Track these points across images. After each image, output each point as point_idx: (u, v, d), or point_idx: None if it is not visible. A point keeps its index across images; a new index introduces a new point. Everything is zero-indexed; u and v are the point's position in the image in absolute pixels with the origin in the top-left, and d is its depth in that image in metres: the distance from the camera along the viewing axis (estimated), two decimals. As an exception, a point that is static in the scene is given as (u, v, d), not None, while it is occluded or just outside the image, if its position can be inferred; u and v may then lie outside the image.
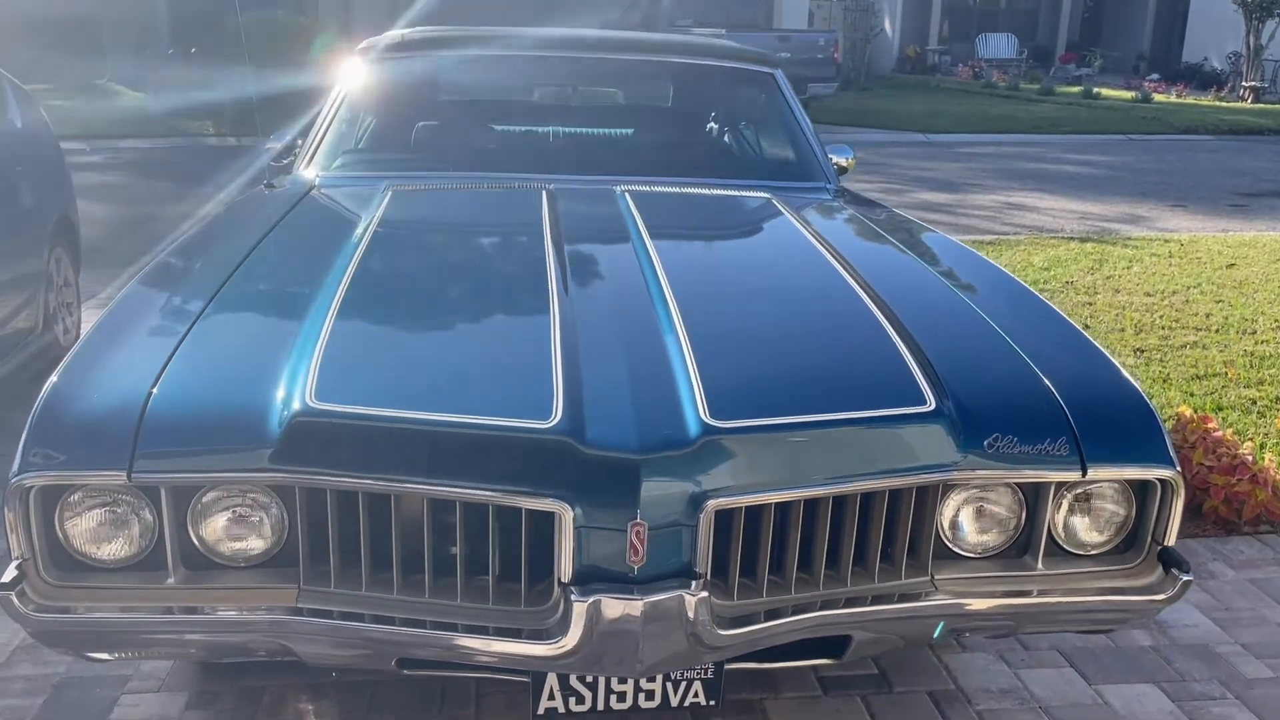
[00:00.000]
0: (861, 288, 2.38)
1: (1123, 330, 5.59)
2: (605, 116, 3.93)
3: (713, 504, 1.74)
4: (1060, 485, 1.95)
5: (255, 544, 1.85)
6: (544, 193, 3.05)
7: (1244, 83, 20.64)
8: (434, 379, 1.95)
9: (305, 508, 1.80)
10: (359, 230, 2.67)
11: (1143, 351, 5.24)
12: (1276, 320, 5.86)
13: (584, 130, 3.83)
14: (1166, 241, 8.06)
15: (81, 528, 1.82)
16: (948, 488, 1.91)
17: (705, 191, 3.32)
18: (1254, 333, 5.63)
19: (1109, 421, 1.98)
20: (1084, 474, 1.91)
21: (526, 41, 3.77)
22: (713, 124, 4.08)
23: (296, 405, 1.80)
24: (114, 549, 1.83)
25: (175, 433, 1.79)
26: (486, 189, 3.23)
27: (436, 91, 3.89)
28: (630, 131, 3.85)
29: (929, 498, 1.90)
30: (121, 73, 15.80)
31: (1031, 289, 2.62)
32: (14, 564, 1.79)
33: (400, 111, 3.74)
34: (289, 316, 2.15)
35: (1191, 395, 4.59)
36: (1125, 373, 2.14)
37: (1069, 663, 2.71)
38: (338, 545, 1.81)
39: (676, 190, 3.28)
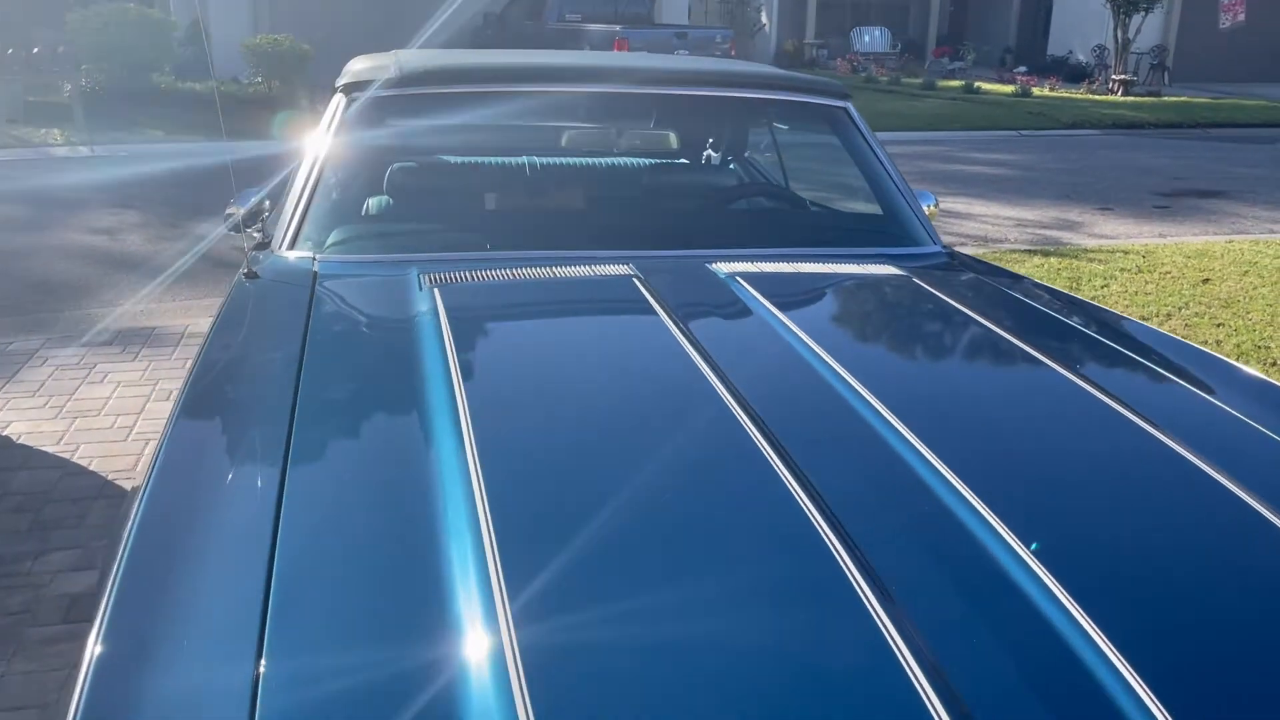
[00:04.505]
0: (1189, 453, 1.67)
1: (1144, 366, 5.19)
2: (665, 169, 3.14)
3: None
4: None
5: None
6: (636, 282, 2.30)
7: (1113, 76, 21.09)
8: (712, 672, 1.14)
9: None
10: (433, 360, 1.84)
11: (1180, 393, 4.83)
12: (1289, 347, 5.58)
13: (642, 186, 3.03)
14: (1127, 254, 7.80)
15: None
16: None
17: (829, 270, 2.59)
18: (1275, 363, 5.31)
19: None
20: None
21: (556, 72, 2.97)
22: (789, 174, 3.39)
23: None
24: None
25: None
26: (555, 276, 2.41)
27: (452, 139, 3.03)
28: (699, 188, 3.09)
29: None
30: (-51, 75, 14.07)
31: None
32: None
33: (408, 168, 2.86)
34: (412, 554, 1.30)
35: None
36: None
37: None
38: None
39: (791, 269, 2.55)
